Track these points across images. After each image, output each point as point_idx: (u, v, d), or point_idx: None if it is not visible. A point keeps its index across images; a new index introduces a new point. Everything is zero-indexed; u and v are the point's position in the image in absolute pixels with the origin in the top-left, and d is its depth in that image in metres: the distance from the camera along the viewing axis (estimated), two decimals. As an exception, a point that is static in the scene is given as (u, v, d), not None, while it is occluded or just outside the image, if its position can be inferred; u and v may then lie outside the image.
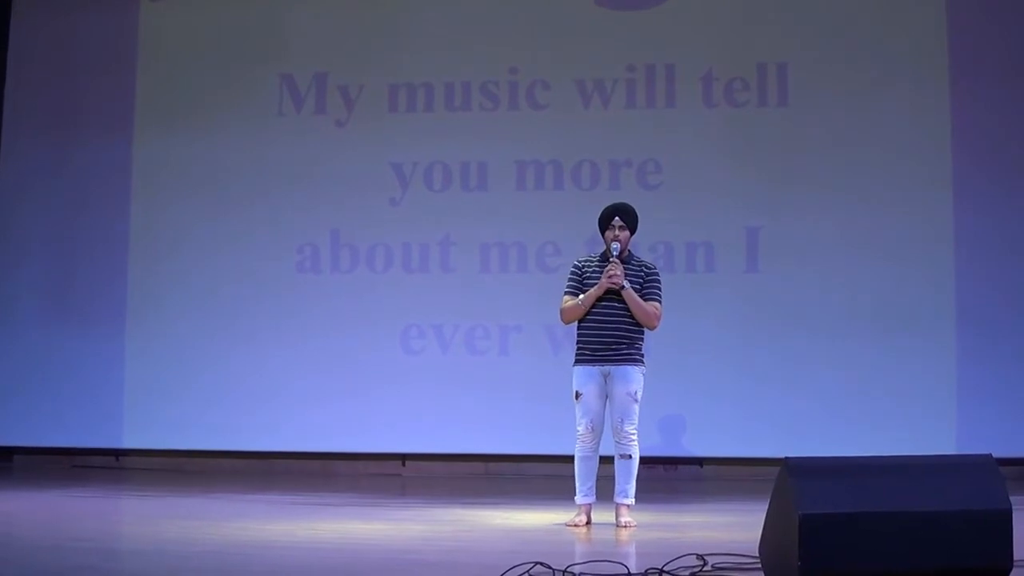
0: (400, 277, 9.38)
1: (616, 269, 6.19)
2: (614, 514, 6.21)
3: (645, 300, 6.24)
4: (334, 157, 9.55)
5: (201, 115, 9.79)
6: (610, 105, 9.27)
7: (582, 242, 8.41)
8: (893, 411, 8.58)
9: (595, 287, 6.22)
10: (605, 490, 6.32)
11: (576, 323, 6.32)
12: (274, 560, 4.99)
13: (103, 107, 9.91)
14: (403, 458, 9.44)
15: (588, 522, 6.21)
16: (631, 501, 6.21)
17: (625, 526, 6.10)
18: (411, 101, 9.52)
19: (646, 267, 6.36)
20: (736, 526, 6.00)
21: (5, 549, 5.21)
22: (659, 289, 6.33)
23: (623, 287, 6.19)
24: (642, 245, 8.38)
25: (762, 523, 4.04)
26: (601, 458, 6.29)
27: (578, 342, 6.31)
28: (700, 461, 9.11)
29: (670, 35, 9.26)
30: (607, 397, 6.23)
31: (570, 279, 6.40)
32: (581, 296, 6.27)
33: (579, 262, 6.44)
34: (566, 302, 6.35)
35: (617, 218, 6.30)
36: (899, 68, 8.91)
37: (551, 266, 9.04)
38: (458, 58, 9.50)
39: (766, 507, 3.99)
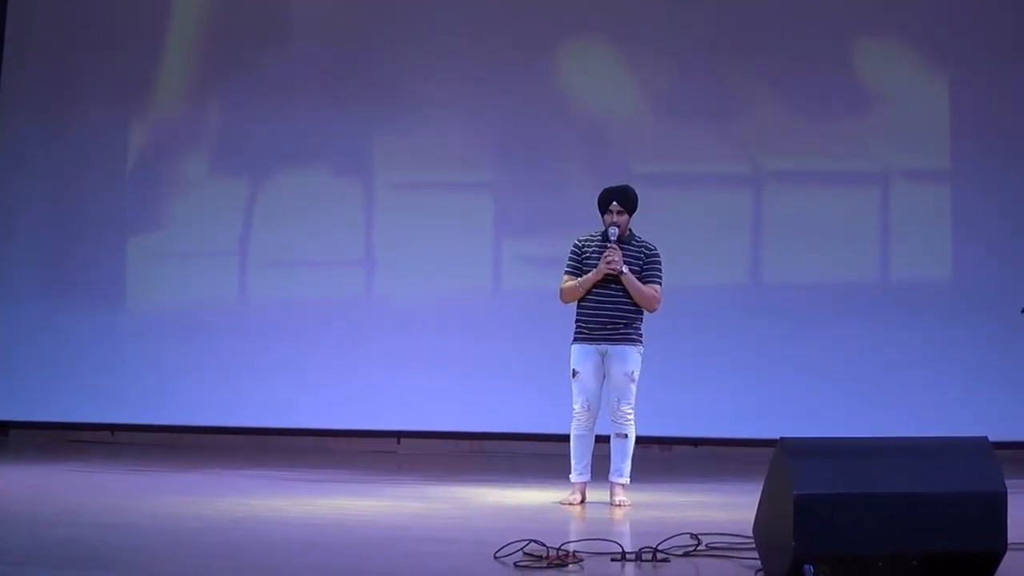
0: (395, 259, 9.36)
1: (614, 255, 6.13)
2: (608, 493, 6.21)
3: (645, 283, 6.20)
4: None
5: (196, 92, 9.75)
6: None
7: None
8: (889, 392, 8.56)
9: (593, 272, 6.18)
10: (600, 469, 6.32)
11: (576, 302, 6.30)
12: (268, 536, 4.99)
13: (100, 80, 9.85)
14: (398, 436, 9.42)
15: (583, 500, 6.22)
16: (626, 480, 6.21)
17: (619, 505, 6.11)
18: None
19: (647, 248, 6.30)
20: (731, 506, 6.00)
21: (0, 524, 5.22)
22: (659, 271, 6.28)
23: (621, 272, 6.16)
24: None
25: (757, 503, 4.04)
26: (597, 437, 6.28)
27: (577, 321, 6.29)
28: (695, 441, 9.10)
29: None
30: (604, 376, 6.22)
31: (570, 259, 6.35)
32: (580, 278, 6.25)
33: (579, 241, 6.39)
34: (565, 282, 6.31)
35: (615, 202, 6.23)
36: (901, 51, 8.89)
37: (548, 244, 9.01)
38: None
39: (761, 487, 3.99)
